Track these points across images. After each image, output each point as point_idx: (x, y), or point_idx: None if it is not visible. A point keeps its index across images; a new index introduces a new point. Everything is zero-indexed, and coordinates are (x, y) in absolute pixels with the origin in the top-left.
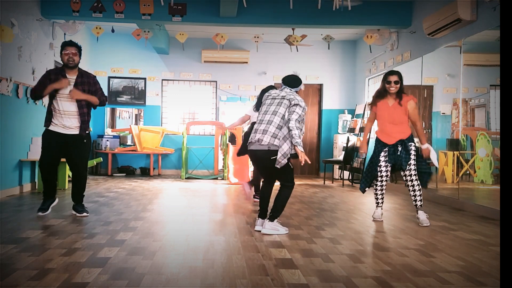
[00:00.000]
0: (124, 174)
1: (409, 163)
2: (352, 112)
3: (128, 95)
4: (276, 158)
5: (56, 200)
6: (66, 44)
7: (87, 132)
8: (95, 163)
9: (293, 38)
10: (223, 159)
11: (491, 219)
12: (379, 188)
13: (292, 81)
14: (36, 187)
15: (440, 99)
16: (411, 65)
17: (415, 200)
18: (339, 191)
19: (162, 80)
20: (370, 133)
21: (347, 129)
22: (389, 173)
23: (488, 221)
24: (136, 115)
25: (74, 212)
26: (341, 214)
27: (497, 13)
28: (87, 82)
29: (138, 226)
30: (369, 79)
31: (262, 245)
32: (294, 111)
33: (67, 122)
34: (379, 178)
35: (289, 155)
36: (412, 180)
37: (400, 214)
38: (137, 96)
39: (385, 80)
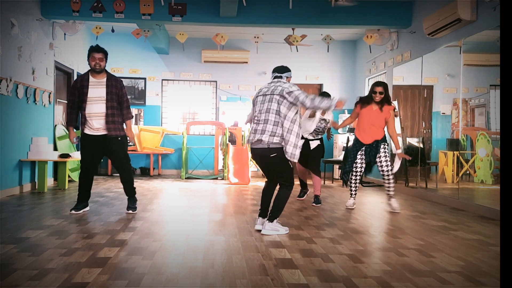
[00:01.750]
0: None
1: (380, 159)
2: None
3: (128, 95)
4: (276, 155)
5: (88, 207)
6: (93, 50)
7: (120, 132)
8: None
9: (293, 38)
10: (223, 159)
11: (491, 219)
12: (353, 181)
13: (280, 69)
14: (36, 187)
15: (440, 99)
16: (411, 65)
17: (389, 190)
18: (339, 191)
19: (162, 80)
20: (347, 126)
21: (347, 129)
22: (363, 169)
23: (488, 221)
24: (136, 115)
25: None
26: (341, 214)
27: (497, 13)
28: (115, 85)
29: (138, 226)
30: (369, 79)
31: (262, 245)
32: (294, 97)
33: (98, 124)
34: (354, 173)
35: (300, 146)
36: (388, 174)
37: (400, 214)
38: (137, 96)
39: (372, 90)
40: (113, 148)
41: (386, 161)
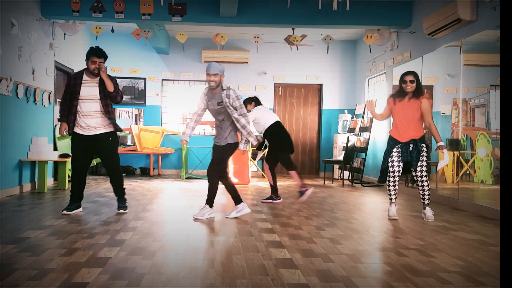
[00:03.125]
0: (124, 174)
1: (420, 164)
2: (352, 112)
3: (128, 95)
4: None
5: (81, 208)
6: (94, 54)
7: (114, 130)
8: (95, 163)
9: (293, 38)
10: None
11: (491, 219)
12: (391, 183)
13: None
14: (36, 187)
15: (440, 99)
16: (411, 65)
17: (423, 199)
18: (339, 191)
19: (162, 80)
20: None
21: (347, 129)
22: (401, 169)
23: (488, 221)
24: (136, 115)
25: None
26: (341, 214)
27: (497, 13)
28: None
29: (138, 226)
30: (369, 79)
31: (262, 245)
32: None
33: (91, 122)
34: (391, 174)
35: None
36: (422, 181)
37: (400, 214)
38: (137, 96)
39: (402, 80)
40: (104, 146)
41: (422, 165)
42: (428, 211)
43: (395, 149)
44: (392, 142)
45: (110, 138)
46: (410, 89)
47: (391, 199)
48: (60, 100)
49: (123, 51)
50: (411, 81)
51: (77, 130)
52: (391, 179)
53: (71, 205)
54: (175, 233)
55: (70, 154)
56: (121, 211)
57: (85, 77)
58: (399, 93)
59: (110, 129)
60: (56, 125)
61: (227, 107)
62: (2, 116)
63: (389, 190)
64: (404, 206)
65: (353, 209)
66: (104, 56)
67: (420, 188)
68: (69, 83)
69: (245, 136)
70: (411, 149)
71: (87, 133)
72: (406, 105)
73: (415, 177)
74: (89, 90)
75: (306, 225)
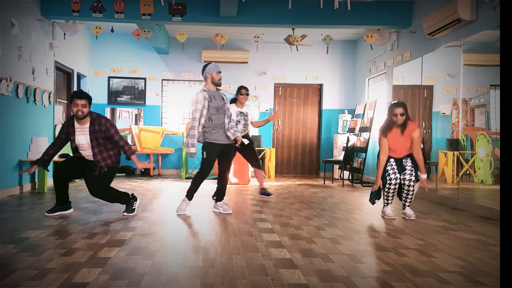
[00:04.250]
0: (124, 174)
1: (411, 170)
2: (352, 112)
3: (128, 95)
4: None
5: (70, 210)
6: (75, 97)
7: (104, 165)
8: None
9: (293, 38)
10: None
11: (491, 219)
12: (391, 190)
13: (201, 72)
14: (36, 187)
15: (440, 99)
16: (411, 65)
17: (405, 200)
18: (339, 191)
19: (162, 80)
20: (346, 126)
21: (347, 129)
22: (398, 180)
23: (488, 221)
24: (136, 115)
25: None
26: (341, 214)
27: (497, 13)
28: (99, 130)
29: (138, 226)
30: (369, 79)
31: (262, 245)
32: None
33: (84, 153)
34: (388, 181)
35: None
36: (409, 185)
37: (399, 214)
38: (137, 96)
39: (392, 113)
40: (96, 173)
41: (412, 173)
42: (408, 210)
43: (388, 164)
44: (388, 160)
45: (106, 169)
46: (401, 121)
47: (388, 203)
48: (60, 100)
49: (123, 51)
50: (402, 114)
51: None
52: (392, 186)
53: (54, 207)
54: (175, 233)
55: (71, 155)
56: (125, 214)
57: (76, 124)
58: (388, 127)
59: (107, 160)
60: (56, 125)
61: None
62: (2, 116)
63: (387, 196)
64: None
65: (353, 209)
66: (86, 97)
67: (405, 191)
68: (63, 130)
69: (235, 131)
70: (405, 160)
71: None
72: (401, 137)
73: (403, 180)
74: (81, 139)
75: (306, 225)
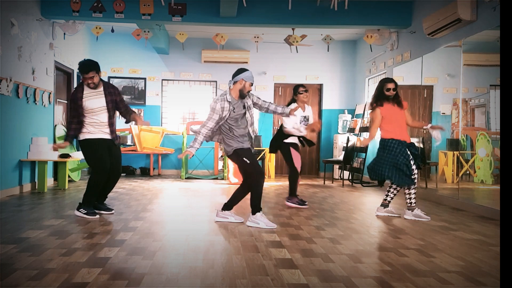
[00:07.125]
0: (124, 174)
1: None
2: (352, 112)
3: (128, 95)
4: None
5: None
6: (82, 72)
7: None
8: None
9: (293, 38)
10: (223, 159)
11: (491, 219)
12: (412, 189)
13: (234, 73)
14: (36, 187)
15: (440, 99)
16: (411, 65)
17: (410, 199)
18: (339, 191)
19: (162, 80)
20: (346, 127)
21: (347, 129)
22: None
23: (488, 221)
24: None
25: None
26: (341, 214)
27: (497, 13)
28: (113, 92)
29: (138, 226)
30: (369, 79)
31: (262, 245)
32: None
33: (99, 131)
34: (414, 177)
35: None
36: (415, 178)
37: (400, 214)
38: (137, 96)
39: (385, 87)
40: (114, 150)
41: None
42: (418, 211)
43: (408, 153)
44: (400, 145)
45: (117, 145)
46: (392, 95)
47: (389, 201)
48: (60, 100)
49: (123, 51)
50: (394, 89)
51: (89, 136)
52: (414, 179)
53: (94, 209)
54: (175, 233)
55: (71, 155)
56: (78, 211)
57: (86, 89)
58: (382, 100)
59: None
60: (56, 125)
61: (255, 104)
62: (2, 116)
63: (397, 192)
64: (404, 206)
65: (353, 209)
66: (94, 69)
67: (413, 188)
68: (76, 95)
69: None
70: (415, 148)
71: (101, 137)
72: (399, 110)
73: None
74: (94, 103)
75: (306, 225)
